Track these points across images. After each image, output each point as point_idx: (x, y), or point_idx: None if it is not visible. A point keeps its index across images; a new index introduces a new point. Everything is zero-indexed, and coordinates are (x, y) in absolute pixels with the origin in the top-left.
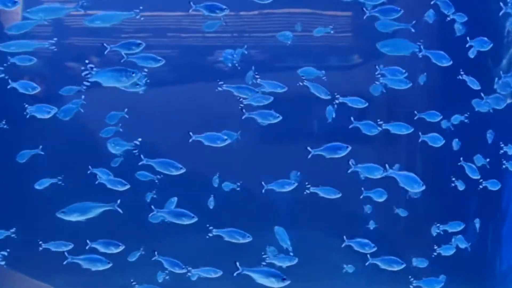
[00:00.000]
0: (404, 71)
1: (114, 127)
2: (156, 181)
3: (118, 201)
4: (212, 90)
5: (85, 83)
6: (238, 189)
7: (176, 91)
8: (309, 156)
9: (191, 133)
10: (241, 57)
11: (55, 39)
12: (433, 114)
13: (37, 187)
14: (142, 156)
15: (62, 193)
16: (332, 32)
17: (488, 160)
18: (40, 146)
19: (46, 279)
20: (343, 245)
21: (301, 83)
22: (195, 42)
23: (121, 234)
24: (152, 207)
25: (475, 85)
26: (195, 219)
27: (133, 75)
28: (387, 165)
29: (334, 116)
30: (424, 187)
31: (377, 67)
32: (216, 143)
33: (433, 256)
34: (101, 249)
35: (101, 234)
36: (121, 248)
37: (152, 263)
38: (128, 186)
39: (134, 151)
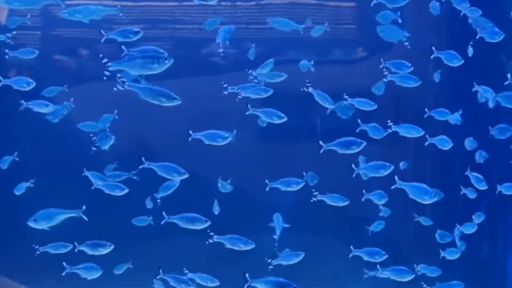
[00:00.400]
0: (410, 65)
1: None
2: (136, 178)
3: (83, 207)
4: (207, 85)
5: (105, 72)
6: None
7: (169, 86)
8: (321, 151)
9: (190, 131)
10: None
11: (14, 32)
12: (442, 112)
13: (16, 192)
14: (143, 158)
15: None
16: (327, 29)
17: (487, 156)
18: (16, 152)
19: (33, 284)
20: (350, 255)
21: (305, 89)
22: (190, 34)
23: (108, 238)
24: (164, 213)
25: (489, 94)
26: (208, 223)
27: (166, 61)
28: (396, 177)
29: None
30: (435, 199)
31: (381, 59)
32: (217, 142)
33: (440, 259)
34: (89, 252)
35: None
36: (111, 248)
37: (146, 268)
38: (126, 190)
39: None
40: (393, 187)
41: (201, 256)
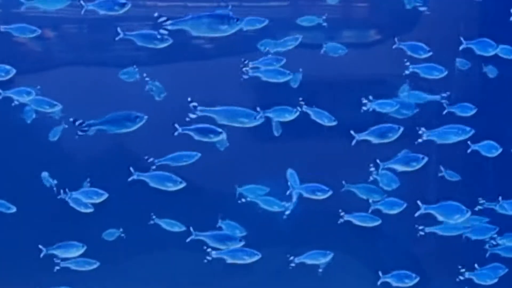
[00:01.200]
0: (428, 48)
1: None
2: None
3: None
4: (195, 71)
5: (161, 31)
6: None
7: (152, 73)
8: (353, 142)
9: (176, 125)
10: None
11: None
12: (466, 108)
13: None
14: (132, 169)
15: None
16: (324, 23)
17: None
18: None
19: None
20: (379, 282)
21: (299, 109)
22: (174, 13)
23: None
24: (191, 228)
25: None
26: (242, 243)
27: (238, 22)
28: (419, 202)
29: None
30: (468, 214)
31: (396, 40)
32: (209, 138)
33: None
34: (61, 255)
35: None
36: (83, 249)
37: None
38: (106, 196)
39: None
40: (417, 213)
41: (195, 272)
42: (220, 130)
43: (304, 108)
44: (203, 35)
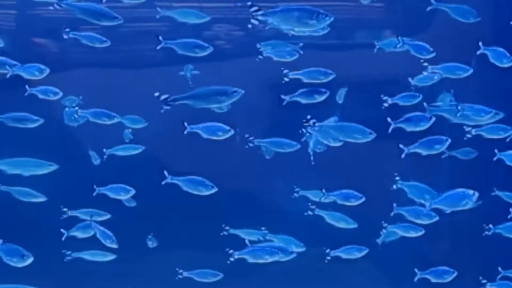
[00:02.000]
0: (431, 49)
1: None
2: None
3: None
4: (211, 73)
5: (252, 21)
6: None
7: (168, 74)
8: (390, 129)
9: (185, 124)
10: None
11: None
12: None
13: None
14: (166, 173)
15: None
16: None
17: None
18: None
19: None
20: (416, 279)
21: (303, 130)
22: None
23: None
24: (247, 241)
25: None
26: (294, 255)
27: (326, 18)
28: (426, 203)
29: None
30: (476, 195)
31: (398, 38)
32: (217, 135)
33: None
34: (81, 235)
35: None
36: (91, 233)
37: None
38: (133, 192)
39: None
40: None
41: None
42: (228, 128)
43: (310, 130)
44: (291, 28)
